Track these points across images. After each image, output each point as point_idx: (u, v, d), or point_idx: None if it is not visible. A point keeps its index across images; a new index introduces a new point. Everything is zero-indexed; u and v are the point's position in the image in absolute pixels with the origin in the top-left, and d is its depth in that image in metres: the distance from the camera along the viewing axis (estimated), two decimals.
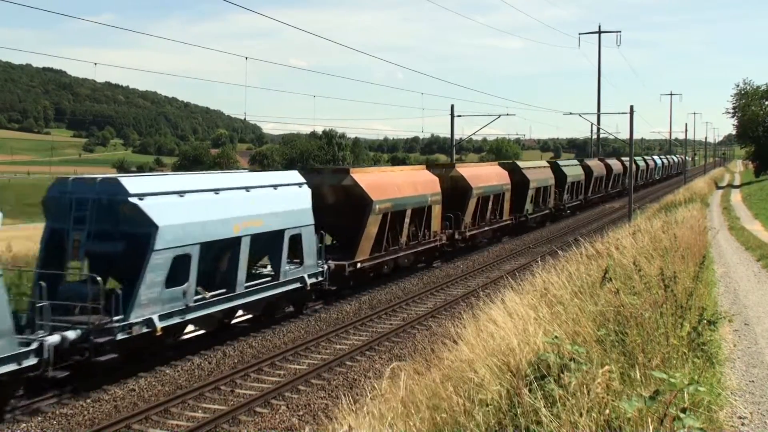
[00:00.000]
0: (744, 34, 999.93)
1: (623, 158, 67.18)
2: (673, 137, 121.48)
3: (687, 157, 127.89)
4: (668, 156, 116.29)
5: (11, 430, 10.96)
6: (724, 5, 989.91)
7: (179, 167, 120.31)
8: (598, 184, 54.58)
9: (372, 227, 20.86)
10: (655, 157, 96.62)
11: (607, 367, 5.21)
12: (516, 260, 27.61)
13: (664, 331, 7.02)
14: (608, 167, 58.54)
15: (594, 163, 54.62)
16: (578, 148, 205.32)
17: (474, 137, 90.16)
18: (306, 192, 18.05)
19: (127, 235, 13.22)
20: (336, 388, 12.74)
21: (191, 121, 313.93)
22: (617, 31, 69.81)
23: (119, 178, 13.66)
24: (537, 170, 37.79)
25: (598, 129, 64.87)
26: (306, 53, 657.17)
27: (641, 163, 76.62)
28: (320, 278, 18.36)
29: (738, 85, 70.94)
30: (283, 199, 16.96)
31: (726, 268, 17.21)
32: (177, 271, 13.54)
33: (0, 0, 14.94)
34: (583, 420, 4.69)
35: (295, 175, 18.37)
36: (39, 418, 11.36)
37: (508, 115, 45.49)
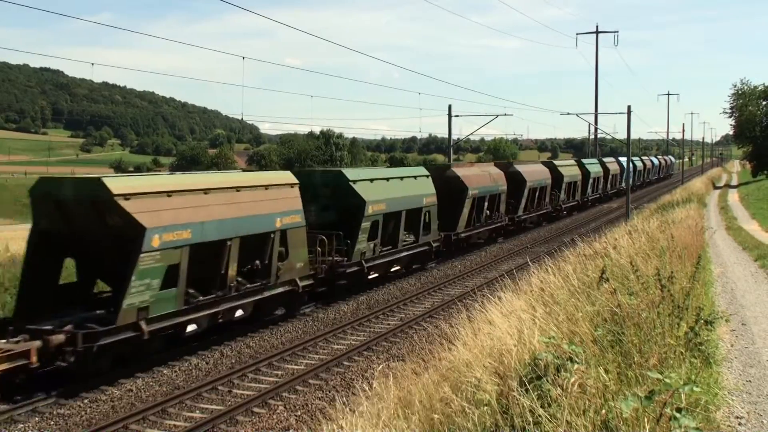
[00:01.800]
0: (742, 34, 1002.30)
1: (560, 161, 49.02)
2: (670, 137, 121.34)
3: (674, 158, 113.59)
4: (644, 157, 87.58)
5: (8, 431, 10.95)
6: (722, 4, 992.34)
7: (177, 167, 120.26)
8: (493, 206, 31.52)
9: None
10: (624, 159, 66.08)
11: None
12: (514, 260, 27.64)
13: (661, 331, 7.04)
14: (517, 179, 34.60)
15: (476, 171, 30.79)
16: (576, 148, 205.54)
17: (472, 137, 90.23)
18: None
19: None
20: (334, 389, 12.74)
21: (189, 121, 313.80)
22: (615, 31, 70.01)
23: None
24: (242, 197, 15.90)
25: (596, 129, 64.96)
26: (303, 53, 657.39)
27: (594, 168, 51.30)
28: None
29: (735, 85, 71.16)
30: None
31: (723, 268, 17.26)
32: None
33: None
34: (579, 420, 4.70)
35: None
36: (36, 419, 11.34)
37: (505, 115, 45.70)
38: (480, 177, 30.36)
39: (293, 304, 18.04)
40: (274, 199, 16.91)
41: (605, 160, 60.24)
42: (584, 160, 53.15)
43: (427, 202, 24.38)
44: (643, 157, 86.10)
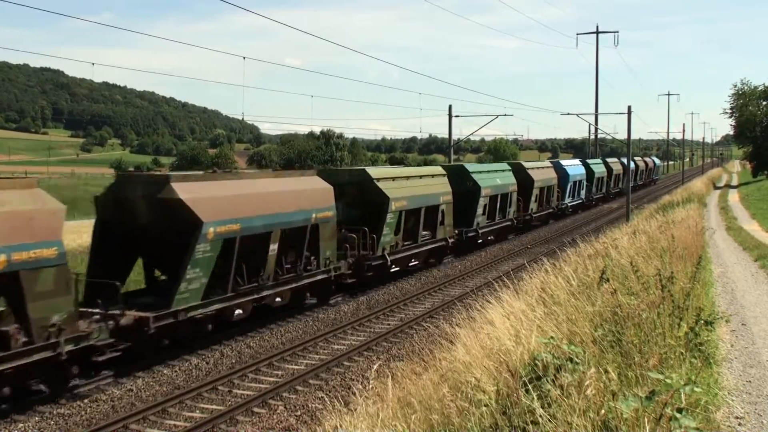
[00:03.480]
0: (742, 34, 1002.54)
1: (410, 168, 28.83)
2: (671, 137, 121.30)
3: (658, 160, 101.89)
4: (610, 159, 60.83)
5: (8, 430, 10.95)
6: (722, 5, 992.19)
7: (177, 167, 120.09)
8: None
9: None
10: (571, 164, 46.61)
11: (593, 370, 5.21)
12: (514, 260, 27.64)
13: (662, 332, 7.04)
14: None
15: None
16: (576, 148, 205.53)
17: (472, 137, 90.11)
18: None
19: None
20: (334, 389, 12.73)
21: (189, 121, 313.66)
22: (615, 32, 69.76)
23: None
24: None
25: (596, 129, 64.92)
26: (303, 53, 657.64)
27: (497, 180, 30.48)
28: None
29: (736, 86, 71.07)
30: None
31: (723, 268, 17.25)
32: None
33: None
34: (579, 420, 4.70)
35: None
36: (36, 418, 11.34)
37: (506, 115, 45.19)
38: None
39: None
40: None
41: (527, 165, 36.80)
42: (483, 166, 33.27)
43: None
44: (609, 159, 60.42)
